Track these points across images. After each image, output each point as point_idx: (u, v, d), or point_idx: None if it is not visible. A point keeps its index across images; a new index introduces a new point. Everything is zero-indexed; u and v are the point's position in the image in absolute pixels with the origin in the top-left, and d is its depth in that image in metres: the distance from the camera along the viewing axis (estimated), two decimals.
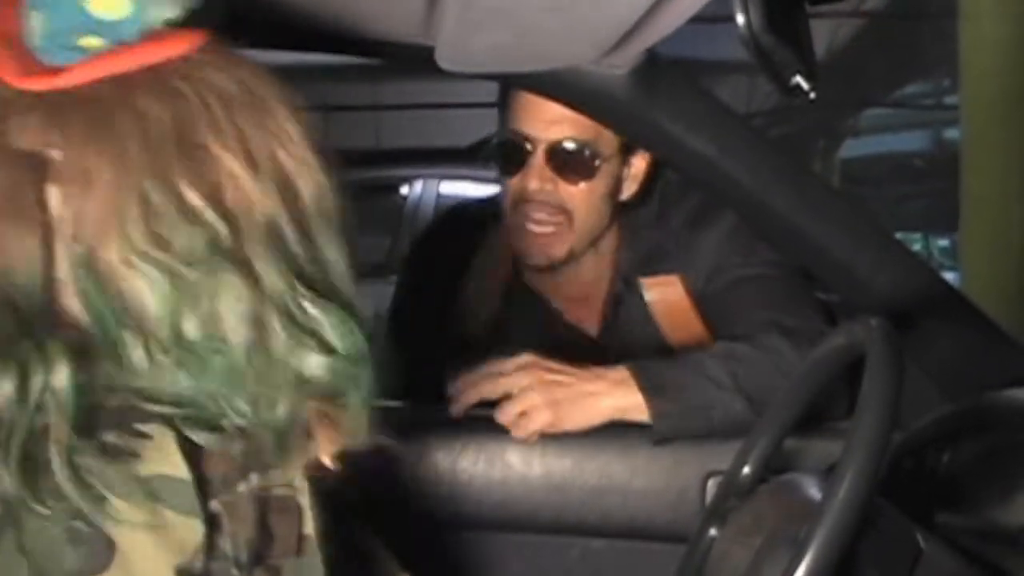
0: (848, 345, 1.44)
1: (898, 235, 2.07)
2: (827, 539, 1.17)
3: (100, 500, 1.01)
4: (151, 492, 1.03)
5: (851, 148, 15.36)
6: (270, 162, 1.09)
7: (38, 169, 1.04)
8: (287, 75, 1.19)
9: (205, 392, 1.06)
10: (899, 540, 1.36)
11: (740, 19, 1.28)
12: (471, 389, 2.04)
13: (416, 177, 7.70)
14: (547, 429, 2.01)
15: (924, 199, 16.29)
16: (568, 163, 2.19)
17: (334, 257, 1.14)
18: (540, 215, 2.22)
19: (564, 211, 2.22)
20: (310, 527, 1.15)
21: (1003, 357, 1.89)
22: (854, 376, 1.35)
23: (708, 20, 1.83)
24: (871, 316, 1.36)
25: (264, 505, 1.11)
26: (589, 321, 2.41)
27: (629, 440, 2.02)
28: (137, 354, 1.04)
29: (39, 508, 1.00)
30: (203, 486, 1.06)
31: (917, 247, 15.49)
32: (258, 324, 1.06)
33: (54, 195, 1.04)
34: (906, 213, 16.51)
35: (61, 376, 1.01)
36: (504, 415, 2.02)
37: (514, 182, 2.24)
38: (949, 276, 5.19)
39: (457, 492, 2.06)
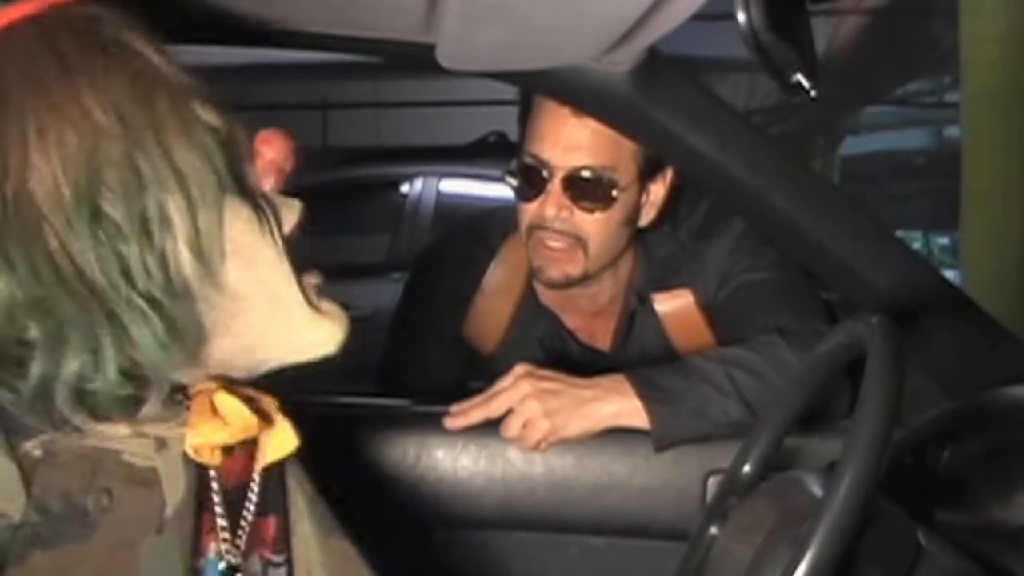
0: (848, 343, 1.44)
1: (899, 233, 2.08)
2: (828, 537, 1.17)
3: None
4: None
5: (851, 146, 15.38)
6: (58, 135, 1.06)
7: None
8: (288, 73, 1.19)
9: None
10: (900, 538, 1.36)
11: (741, 17, 1.27)
12: (474, 411, 2.04)
13: (416, 175, 7.69)
14: (547, 438, 2.01)
15: (925, 197, 16.29)
16: (585, 192, 2.18)
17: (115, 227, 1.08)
18: (555, 243, 2.21)
19: (579, 239, 2.20)
20: (170, 509, 1.14)
21: (1004, 354, 1.89)
22: (855, 374, 1.35)
23: (709, 18, 1.83)
24: (871, 314, 1.35)
25: (101, 467, 1.10)
26: (602, 338, 2.41)
27: (630, 439, 2.02)
28: None
29: None
30: (15, 424, 1.07)
31: (918, 245, 15.50)
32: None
33: None
34: (907, 211, 16.51)
35: None
36: (508, 430, 2.01)
37: (530, 208, 2.22)
38: (950, 274, 5.20)
39: (458, 490, 2.06)
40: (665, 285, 2.33)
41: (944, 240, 15.98)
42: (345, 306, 1.26)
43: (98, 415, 1.10)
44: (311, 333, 1.22)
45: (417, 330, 2.50)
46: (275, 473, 1.31)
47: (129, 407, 1.12)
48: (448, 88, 8.96)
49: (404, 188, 7.73)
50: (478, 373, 2.39)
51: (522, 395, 2.00)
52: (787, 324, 2.09)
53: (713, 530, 1.57)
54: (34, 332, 1.06)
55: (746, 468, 1.58)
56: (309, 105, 11.79)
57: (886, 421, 1.21)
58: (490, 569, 2.11)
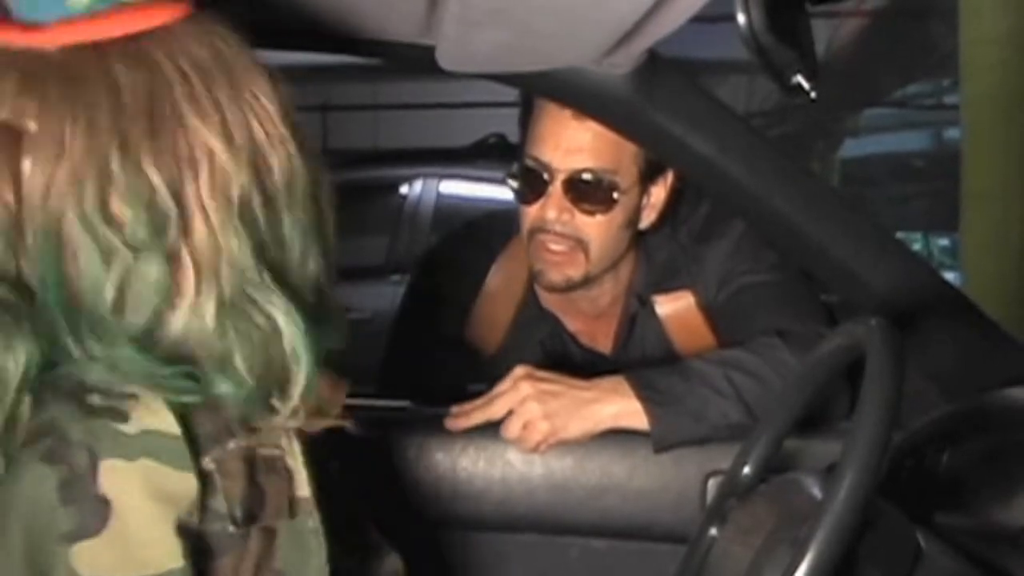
0: (848, 345, 1.44)
1: (898, 235, 2.08)
2: (827, 539, 1.17)
3: (91, 458, 1.01)
4: (142, 448, 1.03)
5: (851, 148, 15.37)
6: (245, 135, 1.10)
7: (13, 141, 1.04)
8: (287, 75, 1.19)
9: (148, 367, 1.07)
10: (899, 540, 1.36)
11: (741, 18, 1.28)
12: (475, 412, 2.04)
13: (415, 177, 7.69)
14: (547, 439, 2.01)
15: (924, 199, 16.29)
16: (586, 195, 2.17)
17: (293, 236, 1.14)
18: (557, 246, 2.21)
19: (580, 241, 2.20)
20: (304, 490, 1.16)
21: (1003, 357, 1.89)
22: (854, 376, 1.35)
23: (709, 20, 1.84)
24: (871, 316, 1.36)
25: (252, 464, 1.12)
26: (603, 341, 2.41)
27: (629, 440, 2.02)
28: (72, 328, 1.05)
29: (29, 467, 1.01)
30: (193, 443, 1.07)
31: (917, 247, 15.49)
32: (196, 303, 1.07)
33: (27, 165, 1.05)
34: (906, 213, 16.52)
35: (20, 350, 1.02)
36: (509, 431, 2.02)
37: (532, 210, 2.22)
38: (950, 276, 5.20)
39: (457, 491, 2.06)
40: (666, 287, 2.33)
41: (944, 242, 15.98)
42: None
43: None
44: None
45: (418, 332, 2.50)
46: None
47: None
48: (448, 90, 8.96)
49: (404, 190, 7.73)
50: (479, 375, 2.39)
51: (522, 396, 2.00)
52: (787, 326, 2.09)
53: (713, 532, 1.57)
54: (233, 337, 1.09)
55: (746, 470, 1.58)
56: (308, 107, 11.75)
57: (886, 423, 1.22)
58: (489, 571, 2.11)
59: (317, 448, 1.29)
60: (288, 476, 1.16)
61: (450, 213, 7.07)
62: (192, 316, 1.07)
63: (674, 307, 2.32)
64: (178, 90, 1.07)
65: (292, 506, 1.15)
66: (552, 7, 1.44)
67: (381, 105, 13.15)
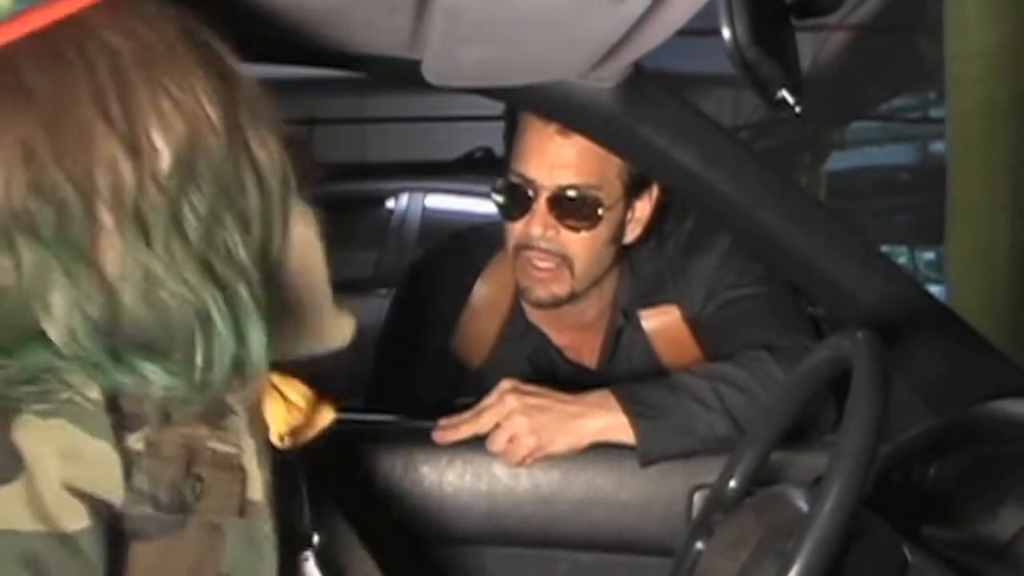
0: (834, 358, 1.44)
1: (884, 248, 2.08)
2: (814, 552, 1.17)
3: (10, 413, 1.02)
4: (60, 409, 1.03)
5: (837, 161, 15.40)
6: (160, 126, 1.08)
7: None
8: (273, 88, 1.19)
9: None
10: (886, 553, 1.36)
11: (726, 32, 1.28)
12: (462, 426, 2.04)
13: (402, 190, 7.70)
14: (534, 454, 2.01)
15: (910, 212, 16.35)
16: (571, 211, 2.18)
17: (210, 224, 1.10)
18: (542, 263, 2.21)
19: (565, 258, 2.20)
20: (257, 493, 1.15)
21: (989, 369, 1.90)
22: (840, 389, 1.35)
23: (694, 33, 1.83)
24: (857, 329, 1.36)
25: (195, 455, 1.11)
26: (589, 355, 2.41)
27: (616, 454, 2.02)
28: None
29: None
30: (120, 417, 1.06)
31: (903, 260, 15.55)
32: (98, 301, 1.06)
33: None
34: (892, 226, 16.58)
35: None
36: (494, 444, 2.01)
37: (517, 227, 2.22)
38: (935, 289, 5.21)
39: (444, 505, 2.06)
40: (651, 301, 2.33)
41: (929, 255, 16.03)
42: (349, 317, 1.28)
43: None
44: (335, 327, 1.25)
45: (404, 346, 2.50)
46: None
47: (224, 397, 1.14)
48: (434, 104, 8.95)
49: (390, 204, 7.73)
50: (465, 389, 2.39)
51: (508, 410, 1.99)
52: (773, 339, 2.09)
53: (699, 545, 1.57)
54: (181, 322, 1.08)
55: (732, 483, 1.59)
56: (294, 120, 11.72)
57: (872, 436, 1.22)
58: None
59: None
60: (242, 476, 1.15)
61: (436, 227, 7.08)
62: (107, 307, 1.06)
63: (660, 321, 2.32)
64: (85, 88, 1.05)
65: (243, 507, 1.14)
66: (538, 21, 1.44)
67: (368, 119, 13.15)
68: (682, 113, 1.86)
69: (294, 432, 1.22)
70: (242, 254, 1.10)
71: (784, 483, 1.58)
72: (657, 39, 1.53)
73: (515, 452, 2.00)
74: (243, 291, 1.10)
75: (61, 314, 1.04)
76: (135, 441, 1.07)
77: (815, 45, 10.92)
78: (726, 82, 11.13)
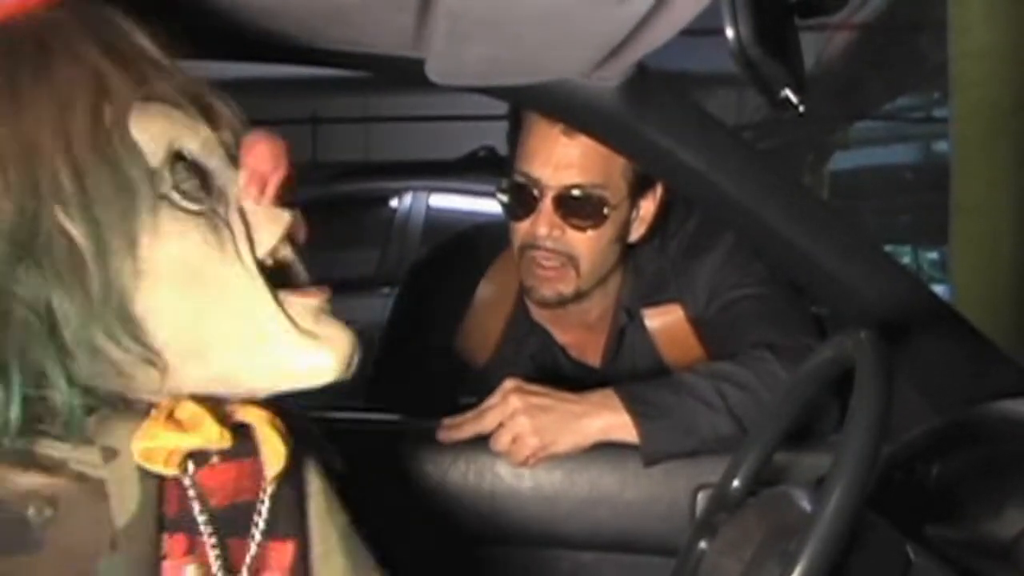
0: (837, 358, 1.44)
1: (887, 248, 2.08)
2: (817, 552, 1.17)
3: None
4: None
5: (840, 161, 15.40)
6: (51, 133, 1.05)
7: None
8: (276, 88, 1.19)
9: None
10: (889, 553, 1.36)
11: (730, 32, 1.28)
12: (465, 425, 2.04)
13: (406, 189, 7.70)
14: (537, 454, 2.01)
15: (913, 212, 16.33)
16: (576, 211, 2.18)
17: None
18: (548, 262, 2.21)
19: (571, 257, 2.21)
20: (121, 520, 1.08)
21: (993, 369, 1.89)
22: (844, 389, 1.35)
23: (698, 33, 1.83)
24: (860, 329, 1.36)
25: (46, 474, 1.07)
26: (593, 354, 2.41)
27: (619, 453, 2.02)
28: None
29: None
30: None
31: (907, 260, 15.53)
32: None
33: None
34: (895, 226, 16.56)
35: None
36: (498, 443, 2.01)
37: (522, 227, 2.23)
38: (938, 289, 5.21)
39: (447, 504, 2.06)
40: (655, 300, 2.33)
41: (933, 255, 16.01)
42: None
43: (45, 424, 1.07)
44: (302, 360, 1.16)
45: (407, 345, 2.50)
46: (286, 495, 1.22)
47: (78, 420, 1.08)
48: (438, 103, 8.96)
49: (393, 203, 7.73)
50: (469, 388, 2.39)
51: (511, 410, 1.99)
52: (777, 339, 2.09)
53: (702, 545, 1.57)
54: None
55: (735, 483, 1.58)
56: (298, 120, 11.78)
57: (875, 436, 1.21)
58: None
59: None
60: (107, 503, 1.08)
61: (440, 226, 7.08)
62: None
63: (663, 320, 2.32)
64: None
65: (114, 538, 1.07)
66: (542, 20, 1.44)
67: (371, 118, 13.15)
68: (686, 112, 1.86)
69: (170, 455, 1.11)
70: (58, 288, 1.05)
71: (787, 483, 1.58)
72: (661, 38, 1.53)
73: (518, 452, 2.00)
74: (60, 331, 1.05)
75: None
76: None
77: (819, 45, 10.91)
78: (729, 81, 11.11)
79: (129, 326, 1.08)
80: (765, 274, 2.21)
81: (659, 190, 2.25)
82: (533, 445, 1.99)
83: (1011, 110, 6.10)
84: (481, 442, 2.02)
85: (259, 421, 1.17)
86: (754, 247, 2.11)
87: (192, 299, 1.10)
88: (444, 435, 2.05)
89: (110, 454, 1.09)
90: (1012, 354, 1.93)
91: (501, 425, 2.00)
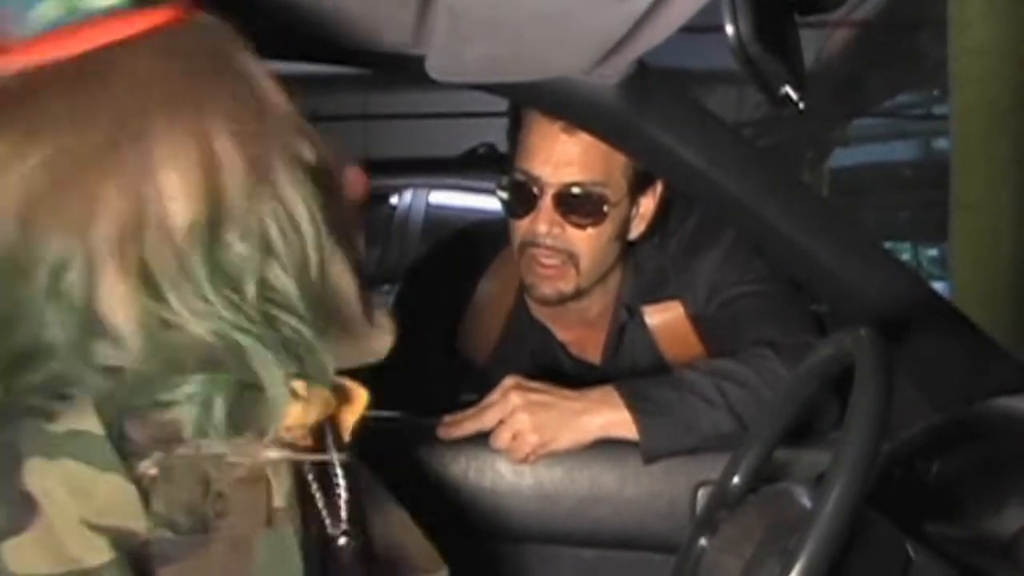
0: (837, 355, 1.44)
1: (887, 245, 2.08)
2: (817, 549, 1.17)
3: (15, 457, 1.02)
4: (65, 448, 1.03)
5: (840, 158, 15.37)
6: (177, 172, 1.06)
7: None
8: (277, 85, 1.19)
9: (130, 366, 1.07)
10: (889, 550, 1.36)
11: (730, 29, 1.28)
12: (466, 423, 2.04)
13: (406, 187, 7.70)
14: (537, 451, 2.01)
15: (913, 209, 16.30)
16: (577, 208, 2.17)
17: (243, 264, 1.10)
18: (548, 260, 2.21)
19: (571, 255, 2.20)
20: (280, 500, 1.15)
21: (992, 366, 1.90)
22: (843, 386, 1.35)
23: (697, 30, 1.83)
24: (860, 326, 1.36)
25: (215, 473, 1.11)
26: (593, 351, 2.41)
27: (619, 450, 2.02)
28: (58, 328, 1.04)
29: None
30: (126, 446, 1.06)
31: (906, 257, 15.50)
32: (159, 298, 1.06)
33: None
34: (895, 223, 16.54)
35: None
36: (498, 440, 2.02)
37: (522, 224, 2.22)
38: (938, 286, 5.20)
39: (447, 501, 2.06)
40: (655, 297, 2.33)
41: (933, 252, 15.99)
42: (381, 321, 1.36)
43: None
44: (370, 344, 1.32)
45: (407, 342, 2.50)
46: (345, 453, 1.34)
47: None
48: (437, 100, 8.95)
49: (393, 200, 7.73)
50: (469, 385, 2.39)
51: (512, 407, 2.00)
52: (777, 336, 2.09)
53: (702, 542, 1.57)
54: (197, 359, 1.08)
55: (735, 480, 1.59)
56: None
57: (875, 433, 1.22)
58: None
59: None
60: (266, 486, 1.15)
61: (440, 223, 7.08)
62: (107, 346, 1.06)
63: (663, 317, 2.32)
64: (109, 114, 1.05)
65: (269, 516, 1.14)
66: (542, 18, 1.45)
67: (371, 115, 13.12)
68: (685, 110, 1.86)
69: (304, 429, 1.21)
70: (280, 288, 1.11)
71: (787, 480, 1.58)
72: (661, 36, 1.53)
73: (519, 449, 2.00)
74: (286, 324, 1.11)
75: (63, 349, 1.04)
76: (147, 467, 1.07)
77: (818, 41, 10.90)
78: (729, 78, 11.09)
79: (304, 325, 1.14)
80: (765, 271, 2.21)
81: (659, 187, 2.24)
82: (533, 442, 1.99)
83: (1011, 107, 6.09)
84: (481, 439, 2.02)
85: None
86: (754, 244, 2.11)
87: (331, 299, 1.21)
88: (444, 432, 2.05)
89: (265, 436, 1.14)
90: (1012, 351, 1.93)
91: (501, 422, 2.01)
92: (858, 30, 10.87)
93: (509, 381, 2.03)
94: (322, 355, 1.14)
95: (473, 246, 2.51)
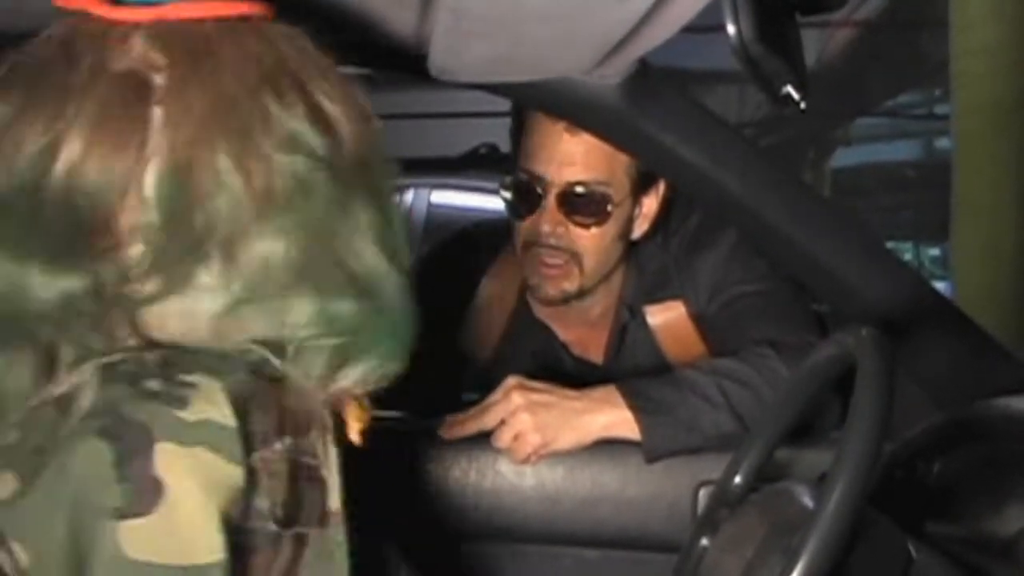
0: (839, 355, 1.44)
1: (889, 244, 2.08)
2: (819, 548, 1.17)
3: (148, 438, 1.02)
4: (198, 436, 1.04)
5: (842, 158, 15.38)
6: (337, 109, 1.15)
7: (141, 89, 1.09)
8: None
9: (251, 336, 1.12)
10: (890, 549, 1.36)
11: (731, 29, 1.28)
12: (468, 423, 2.04)
13: (407, 186, 7.69)
14: (539, 451, 2.01)
15: (915, 209, 16.31)
16: (580, 207, 2.17)
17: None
18: (552, 259, 2.21)
19: (575, 254, 2.20)
20: (335, 502, 1.17)
21: (994, 366, 1.89)
22: (845, 385, 1.35)
23: (699, 30, 1.84)
24: (862, 326, 1.36)
25: (295, 468, 1.13)
26: (595, 351, 2.41)
27: (621, 450, 2.02)
28: (203, 276, 1.10)
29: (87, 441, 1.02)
30: (246, 438, 1.08)
31: (908, 256, 15.52)
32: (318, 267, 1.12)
33: (156, 115, 1.09)
34: (897, 222, 16.55)
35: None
36: (499, 440, 2.02)
37: (525, 224, 2.22)
38: (940, 285, 5.20)
39: (449, 501, 2.06)
40: (657, 297, 2.32)
41: (934, 252, 16.00)
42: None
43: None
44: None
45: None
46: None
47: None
48: (439, 100, 8.95)
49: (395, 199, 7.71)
50: (471, 385, 2.39)
51: (513, 407, 2.00)
52: (778, 336, 2.09)
53: (704, 542, 1.57)
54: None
55: (737, 480, 1.59)
56: None
57: (877, 433, 1.22)
58: None
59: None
60: (322, 486, 1.17)
61: (442, 222, 7.07)
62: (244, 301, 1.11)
63: (665, 317, 2.32)
64: (288, 66, 1.13)
65: (323, 517, 1.16)
66: (543, 18, 1.44)
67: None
68: (687, 109, 1.86)
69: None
70: (364, 261, 1.17)
71: (789, 480, 1.58)
72: (662, 36, 1.53)
73: (520, 449, 2.00)
74: (384, 292, 1.21)
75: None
76: (256, 460, 1.09)
77: (820, 41, 10.90)
78: (731, 78, 11.10)
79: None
80: (767, 271, 2.20)
81: (662, 187, 2.24)
82: (535, 442, 1.99)
83: (1013, 107, 6.10)
84: (483, 439, 2.02)
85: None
86: (756, 244, 2.11)
87: None
88: (446, 432, 2.05)
89: (322, 446, 1.19)
90: (1013, 350, 1.93)
91: (503, 422, 2.01)
92: (860, 30, 10.89)
93: (511, 381, 2.03)
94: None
95: (475, 246, 2.51)
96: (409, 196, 7.61)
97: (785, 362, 2.02)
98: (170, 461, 1.02)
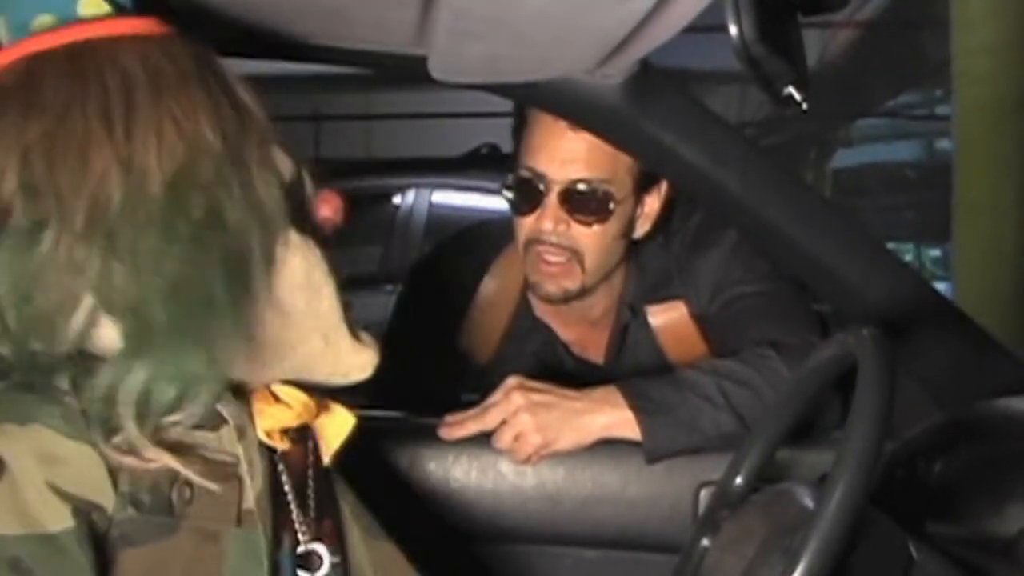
0: (840, 355, 1.44)
1: (890, 245, 2.08)
2: (819, 549, 1.17)
3: None
4: (36, 415, 1.08)
5: (843, 158, 15.40)
6: (158, 148, 1.11)
7: None
8: (279, 85, 1.20)
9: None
10: (891, 549, 1.36)
11: (733, 29, 1.28)
12: (468, 423, 2.04)
13: (408, 187, 7.70)
14: (540, 451, 2.01)
15: (916, 209, 16.30)
16: (582, 205, 2.17)
17: (196, 246, 1.12)
18: (553, 257, 2.21)
19: (576, 252, 2.20)
20: (250, 502, 1.19)
21: (995, 366, 1.89)
22: (846, 386, 1.35)
23: (701, 30, 1.83)
24: (863, 326, 1.36)
25: (183, 461, 1.13)
26: (596, 351, 2.41)
27: (621, 450, 2.02)
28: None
29: None
30: (101, 421, 1.10)
31: (909, 257, 15.51)
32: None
33: None
34: (898, 223, 16.53)
35: None
36: (500, 441, 2.02)
37: (527, 221, 2.22)
38: (941, 286, 5.20)
39: (449, 501, 2.06)
40: (658, 297, 2.33)
41: (935, 252, 15.99)
42: None
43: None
44: (353, 359, 1.29)
45: (410, 342, 2.50)
46: (323, 475, 1.38)
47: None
48: (440, 100, 8.97)
49: (396, 200, 7.74)
50: (472, 385, 2.39)
51: (514, 407, 2.00)
52: (779, 336, 2.09)
53: (705, 542, 1.57)
54: (119, 335, 1.11)
55: (738, 480, 1.58)
56: (300, 117, 11.77)
57: (877, 433, 1.22)
58: None
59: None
60: (238, 485, 1.18)
61: (443, 223, 7.09)
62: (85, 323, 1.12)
63: (666, 317, 2.32)
64: (93, 103, 1.10)
65: (240, 516, 1.18)
66: (544, 18, 1.44)
67: (373, 115, 13.14)
68: (688, 109, 1.86)
69: (283, 432, 1.26)
70: (215, 279, 1.12)
71: (790, 480, 1.58)
72: (664, 35, 1.53)
73: (521, 449, 2.00)
74: (207, 318, 1.12)
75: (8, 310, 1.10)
76: (117, 443, 1.10)
77: (821, 42, 10.92)
78: (732, 78, 11.12)
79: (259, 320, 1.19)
80: (768, 271, 2.20)
81: (663, 187, 2.25)
82: (535, 442, 1.99)
83: (1014, 107, 6.10)
84: (484, 439, 2.02)
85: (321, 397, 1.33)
86: (757, 244, 2.11)
87: (305, 306, 1.23)
88: (447, 432, 2.05)
89: (241, 433, 1.20)
90: (1014, 351, 1.93)
91: (504, 422, 2.00)
92: (861, 30, 10.90)
93: (511, 381, 2.03)
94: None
95: (476, 246, 2.51)
96: (410, 196, 7.62)
97: (786, 362, 2.02)
98: (8, 439, 1.06)
